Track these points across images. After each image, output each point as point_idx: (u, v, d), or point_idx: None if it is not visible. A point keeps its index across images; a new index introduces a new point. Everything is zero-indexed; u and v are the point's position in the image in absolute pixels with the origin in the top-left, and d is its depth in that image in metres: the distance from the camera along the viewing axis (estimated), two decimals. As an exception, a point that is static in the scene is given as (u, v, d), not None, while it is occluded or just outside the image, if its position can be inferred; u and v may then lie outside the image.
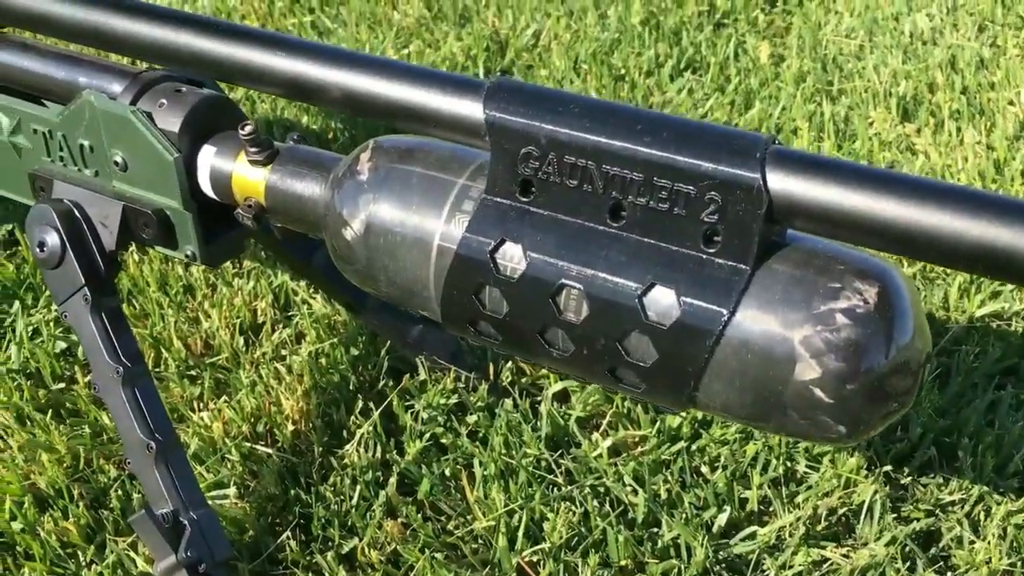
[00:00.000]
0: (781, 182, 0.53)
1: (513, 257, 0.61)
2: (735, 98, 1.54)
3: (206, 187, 0.76)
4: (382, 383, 0.96)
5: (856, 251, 0.55)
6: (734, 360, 0.55)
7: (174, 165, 0.74)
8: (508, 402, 0.93)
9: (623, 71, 1.60)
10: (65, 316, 0.79)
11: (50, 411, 0.94)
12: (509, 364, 0.99)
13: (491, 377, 0.97)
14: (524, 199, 0.61)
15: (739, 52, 1.67)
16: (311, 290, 1.07)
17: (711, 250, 0.56)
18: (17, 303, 1.06)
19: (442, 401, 0.93)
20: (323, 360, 0.98)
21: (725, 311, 0.54)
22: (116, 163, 0.77)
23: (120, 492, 0.87)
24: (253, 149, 0.72)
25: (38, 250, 0.78)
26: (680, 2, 1.83)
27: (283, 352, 1.01)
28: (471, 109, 0.62)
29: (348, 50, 0.69)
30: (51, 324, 1.04)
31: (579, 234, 0.59)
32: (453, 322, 0.65)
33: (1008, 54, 1.63)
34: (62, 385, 0.97)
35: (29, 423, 0.94)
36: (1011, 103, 1.50)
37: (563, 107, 0.59)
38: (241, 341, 1.01)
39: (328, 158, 0.73)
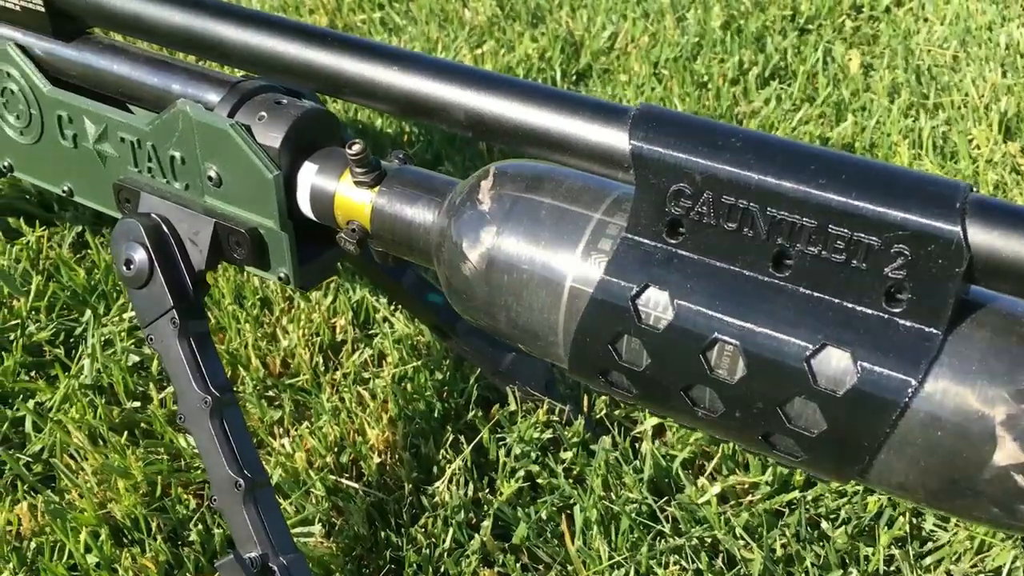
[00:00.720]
0: (984, 236, 0.47)
1: (658, 305, 0.55)
2: (825, 109, 1.47)
3: (305, 207, 0.71)
4: (471, 413, 0.91)
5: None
6: (920, 437, 0.48)
7: (273, 183, 0.69)
8: (606, 439, 0.87)
9: (706, 77, 1.53)
10: (150, 339, 0.74)
11: (125, 432, 0.89)
12: (604, 396, 0.93)
13: (585, 409, 0.91)
14: (672, 240, 0.55)
15: (827, 60, 1.60)
16: (393, 308, 1.01)
17: (895, 309, 0.49)
18: (88, 312, 1.01)
19: (535, 435, 0.87)
20: (408, 385, 0.93)
21: (913, 380, 0.48)
22: (210, 178, 0.72)
23: (200, 527, 0.82)
24: (360, 170, 0.67)
25: (124, 268, 0.74)
26: (762, 6, 1.76)
27: (364, 375, 0.96)
28: (613, 138, 0.56)
29: (472, 68, 0.63)
30: (124, 335, 0.99)
31: (736, 283, 0.53)
32: (582, 370, 0.59)
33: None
34: (136, 404, 0.93)
35: (102, 442, 0.89)
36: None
37: (722, 140, 0.53)
38: (320, 360, 0.96)
39: (441, 182, 0.67)
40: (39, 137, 0.82)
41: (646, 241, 0.55)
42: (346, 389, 0.92)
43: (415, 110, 0.64)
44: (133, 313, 1.00)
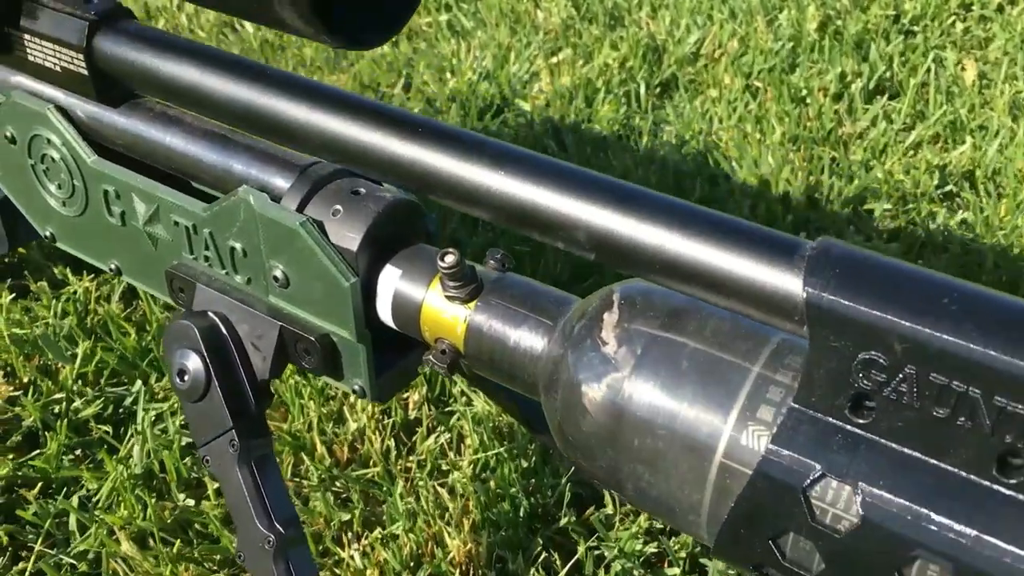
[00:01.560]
0: None
1: (838, 500, 0.43)
2: (938, 130, 1.33)
3: (385, 316, 0.60)
4: (564, 519, 0.80)
5: None
6: None
7: (349, 291, 0.58)
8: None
9: (804, 91, 1.40)
10: (206, 460, 0.65)
11: (178, 540, 0.80)
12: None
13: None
14: (858, 420, 0.43)
15: (938, 69, 1.46)
16: (471, 382, 0.91)
17: None
18: (139, 382, 0.92)
19: (638, 547, 0.77)
20: (492, 481, 0.83)
21: None
22: (276, 278, 0.61)
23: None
24: (454, 284, 0.56)
25: (178, 379, 0.64)
26: (862, 6, 1.61)
27: (442, 464, 0.85)
28: (780, 279, 0.45)
29: (597, 175, 0.51)
30: (177, 409, 0.90)
31: (948, 485, 0.41)
32: (730, 559, 0.48)
33: None
34: (191, 503, 0.83)
35: (152, 540, 0.80)
36: None
37: (929, 299, 0.41)
38: (392, 444, 0.86)
39: (551, 299, 0.56)
40: (83, 210, 0.72)
41: (822, 417, 0.44)
42: (421, 483, 0.82)
43: (523, 222, 0.53)
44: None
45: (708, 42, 1.54)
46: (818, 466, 0.43)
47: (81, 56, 0.66)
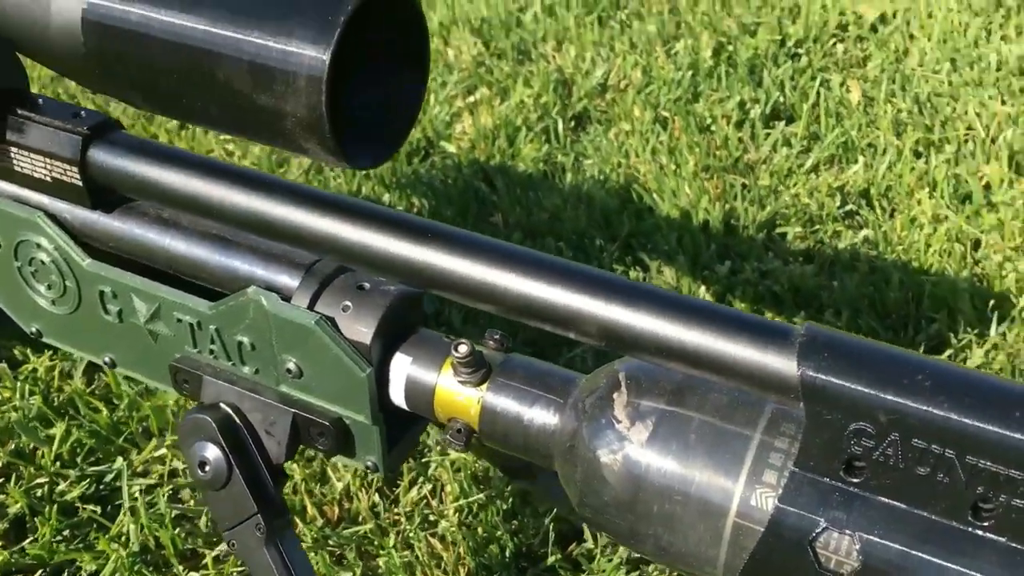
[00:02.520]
0: None
1: (839, 549, 0.51)
2: (833, 151, 1.45)
3: (398, 399, 0.65)
4: (552, 558, 0.86)
5: None
6: None
7: (366, 381, 0.63)
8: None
9: (709, 120, 1.49)
10: (232, 544, 0.69)
11: (186, 611, 0.83)
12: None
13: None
14: (852, 480, 0.51)
15: (823, 91, 1.57)
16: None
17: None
18: (119, 459, 0.94)
19: (621, 577, 0.84)
20: (478, 527, 0.88)
21: None
22: (289, 370, 0.66)
23: None
24: (467, 370, 0.62)
25: (199, 471, 0.67)
26: (750, 31, 1.72)
27: (429, 515, 0.90)
28: (774, 361, 0.52)
29: (601, 273, 0.58)
30: (162, 478, 0.92)
31: (931, 531, 0.49)
32: (746, 605, 0.55)
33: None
34: (195, 575, 0.86)
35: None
36: None
37: (907, 376, 0.49)
38: (376, 498, 0.91)
39: (557, 378, 0.62)
40: (75, 308, 0.74)
41: (820, 478, 0.51)
42: (412, 534, 0.87)
43: (535, 316, 0.58)
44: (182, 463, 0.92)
45: (614, 74, 1.62)
46: (821, 521, 0.51)
47: (75, 168, 0.68)
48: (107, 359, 0.75)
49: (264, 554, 0.67)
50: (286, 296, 0.65)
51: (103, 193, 0.70)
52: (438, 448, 0.96)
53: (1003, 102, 1.54)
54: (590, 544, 0.86)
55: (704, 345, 0.54)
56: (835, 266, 1.23)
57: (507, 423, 0.62)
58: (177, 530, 0.89)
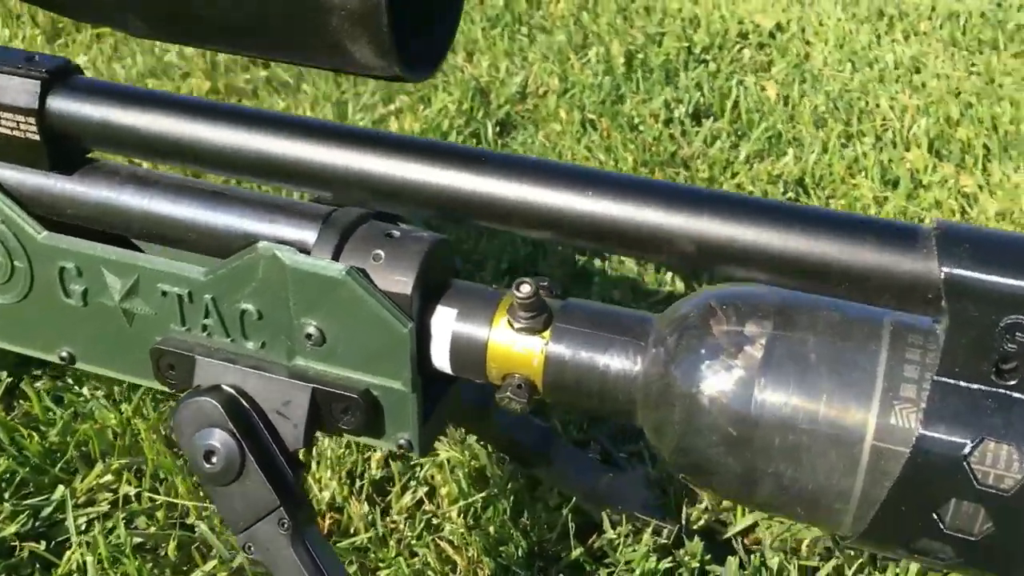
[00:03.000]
0: None
1: (998, 461, 0.46)
2: (763, 146, 1.44)
3: (441, 360, 0.57)
4: (575, 551, 0.78)
5: None
6: None
7: (408, 338, 0.55)
8: (732, 560, 0.77)
9: (638, 120, 1.47)
10: (248, 548, 0.58)
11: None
12: (703, 504, 0.84)
13: (682, 524, 0.81)
14: (1007, 382, 0.46)
15: (742, 89, 1.58)
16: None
17: None
18: (60, 487, 0.81)
19: (651, 565, 0.76)
20: (489, 527, 0.80)
21: None
22: (309, 335, 0.56)
23: None
24: (528, 314, 0.54)
25: (205, 463, 0.57)
26: (656, 40, 1.73)
27: (428, 518, 0.81)
28: (910, 264, 0.47)
29: (682, 186, 0.51)
30: (114, 504, 0.79)
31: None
32: (879, 540, 0.50)
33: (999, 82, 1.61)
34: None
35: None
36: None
37: None
38: (366, 507, 0.81)
39: (628, 318, 0.55)
40: (24, 295, 0.63)
41: (969, 385, 0.46)
42: (415, 541, 0.78)
43: (612, 239, 0.52)
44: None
45: (531, 80, 1.58)
46: (977, 432, 0.45)
47: (32, 119, 0.58)
48: (63, 354, 0.64)
49: (291, 553, 0.57)
50: (303, 251, 0.56)
51: (64, 150, 0.59)
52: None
53: (910, 97, 1.58)
54: (611, 535, 0.78)
55: (829, 254, 0.48)
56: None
57: (579, 372, 0.54)
58: (139, 561, 0.76)
